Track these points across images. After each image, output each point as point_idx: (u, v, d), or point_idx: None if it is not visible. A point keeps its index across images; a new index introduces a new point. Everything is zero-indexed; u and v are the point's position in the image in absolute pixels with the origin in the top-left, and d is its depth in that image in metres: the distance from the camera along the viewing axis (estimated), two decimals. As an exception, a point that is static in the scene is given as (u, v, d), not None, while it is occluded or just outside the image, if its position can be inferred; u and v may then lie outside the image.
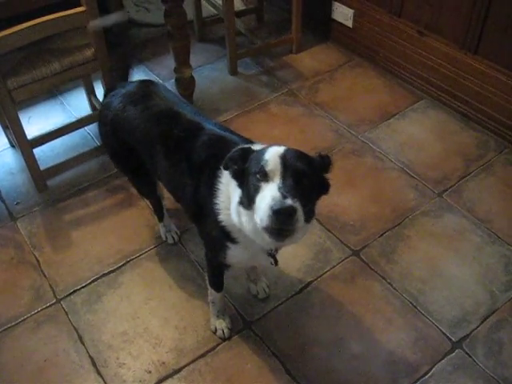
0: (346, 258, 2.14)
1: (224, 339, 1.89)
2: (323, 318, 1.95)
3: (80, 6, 2.11)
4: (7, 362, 1.86)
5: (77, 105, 2.92)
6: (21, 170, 2.56)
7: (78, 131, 2.60)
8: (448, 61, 2.69)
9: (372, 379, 1.78)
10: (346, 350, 1.85)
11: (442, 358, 1.82)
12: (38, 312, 2.00)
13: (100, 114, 1.88)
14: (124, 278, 2.10)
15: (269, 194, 1.20)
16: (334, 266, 2.11)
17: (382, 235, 2.22)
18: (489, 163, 2.51)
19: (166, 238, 2.21)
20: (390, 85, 2.99)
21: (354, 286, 2.04)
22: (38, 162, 2.39)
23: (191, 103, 2.75)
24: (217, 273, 1.77)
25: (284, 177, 1.23)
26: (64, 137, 2.51)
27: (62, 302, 2.03)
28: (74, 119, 2.66)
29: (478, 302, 1.97)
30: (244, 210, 1.32)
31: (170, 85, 2.84)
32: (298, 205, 1.19)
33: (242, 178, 1.34)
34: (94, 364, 1.84)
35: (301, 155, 1.29)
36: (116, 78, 2.00)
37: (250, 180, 1.29)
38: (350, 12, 3.09)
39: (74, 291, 2.06)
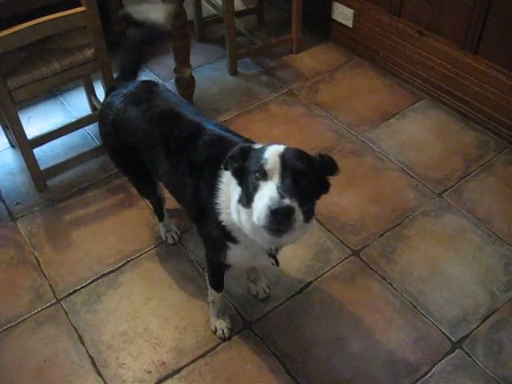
0: (346, 258, 2.14)
1: (224, 339, 1.89)
2: (323, 318, 1.95)
3: (80, 5, 2.11)
4: (7, 362, 1.86)
5: (77, 105, 2.92)
6: (21, 169, 2.56)
7: (78, 131, 2.60)
8: (448, 61, 2.69)
9: (372, 379, 1.78)
10: (346, 350, 1.85)
11: (442, 358, 1.82)
12: (37, 312, 2.00)
13: (101, 114, 1.87)
14: (124, 278, 2.10)
15: (267, 194, 1.20)
16: (334, 266, 2.11)
17: (382, 235, 2.22)
18: (489, 163, 2.51)
19: (166, 237, 2.21)
20: (390, 85, 2.99)
21: (353, 286, 2.04)
22: (38, 162, 2.39)
23: (191, 103, 2.75)
24: (217, 273, 1.77)
25: (283, 176, 1.22)
26: (64, 137, 2.51)
27: (61, 302, 2.03)
28: (74, 119, 2.66)
29: (478, 302, 1.97)
30: (243, 208, 1.32)
31: (170, 85, 2.84)
32: (295, 205, 1.18)
33: (241, 176, 1.34)
34: (93, 364, 1.84)
35: (300, 154, 1.29)
36: (125, 74, 1.93)
37: (249, 178, 1.29)
38: (349, 12, 3.09)
39: (74, 291, 2.06)
